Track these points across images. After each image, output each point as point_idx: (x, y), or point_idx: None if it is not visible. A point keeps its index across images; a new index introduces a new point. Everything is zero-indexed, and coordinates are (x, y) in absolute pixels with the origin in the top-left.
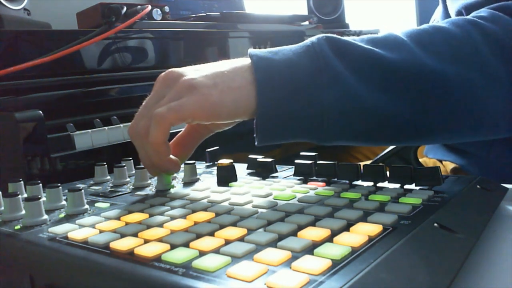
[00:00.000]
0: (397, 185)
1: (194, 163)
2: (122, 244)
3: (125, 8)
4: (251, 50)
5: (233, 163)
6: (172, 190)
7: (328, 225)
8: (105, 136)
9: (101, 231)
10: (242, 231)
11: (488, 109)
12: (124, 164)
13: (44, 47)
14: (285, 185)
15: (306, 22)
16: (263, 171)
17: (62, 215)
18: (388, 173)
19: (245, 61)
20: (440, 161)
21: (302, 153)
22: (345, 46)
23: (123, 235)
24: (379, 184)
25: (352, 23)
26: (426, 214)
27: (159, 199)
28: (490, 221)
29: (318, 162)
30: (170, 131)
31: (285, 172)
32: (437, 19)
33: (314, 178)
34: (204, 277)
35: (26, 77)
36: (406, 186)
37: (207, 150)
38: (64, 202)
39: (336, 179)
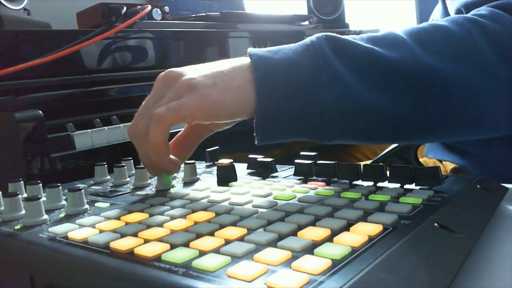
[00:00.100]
0: (397, 185)
1: (194, 163)
2: (122, 244)
3: (125, 8)
4: (251, 49)
5: (233, 163)
6: (172, 190)
7: (328, 225)
8: (105, 136)
9: (101, 231)
10: (242, 231)
11: (488, 107)
12: (124, 164)
13: (44, 47)
14: (285, 185)
15: (306, 22)
16: (263, 171)
17: (62, 215)
18: (388, 173)
19: (245, 60)
20: (440, 161)
21: (302, 153)
22: (345, 45)
23: (123, 235)
24: (379, 184)
25: (352, 23)
26: (426, 214)
27: (159, 199)
28: (490, 221)
29: (318, 162)
30: (170, 131)
31: (285, 172)
32: (436, 17)
33: (314, 178)
34: (204, 277)
35: (26, 77)
36: (406, 186)
37: (207, 150)
38: (64, 202)
39: (336, 179)
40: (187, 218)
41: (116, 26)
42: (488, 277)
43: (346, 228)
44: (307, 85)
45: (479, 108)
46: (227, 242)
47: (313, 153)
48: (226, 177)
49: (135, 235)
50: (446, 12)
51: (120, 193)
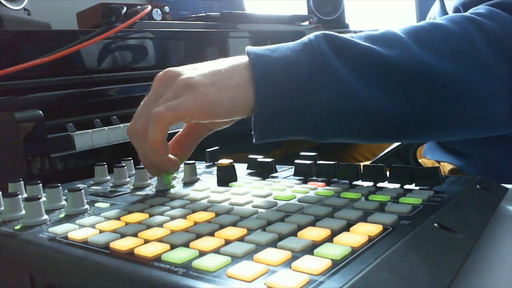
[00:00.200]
0: (397, 185)
1: (194, 163)
2: (122, 244)
3: (125, 8)
4: (249, 48)
5: (233, 163)
6: (172, 190)
7: (328, 225)
8: (105, 136)
9: (101, 231)
10: (242, 231)
11: (487, 106)
12: (124, 164)
13: (44, 47)
14: (285, 185)
15: (306, 22)
16: (263, 171)
17: (62, 215)
18: (388, 173)
19: (243, 59)
20: (438, 162)
21: (302, 153)
22: (343, 44)
23: (123, 235)
24: (379, 184)
25: (352, 23)
26: (426, 214)
27: (159, 199)
28: (490, 221)
29: (318, 162)
30: (169, 131)
31: (285, 172)
32: (433, 15)
33: (314, 178)
34: (204, 277)
35: (26, 77)
36: (406, 186)
37: (207, 150)
38: (64, 202)
39: (336, 179)
40: (187, 218)
41: (116, 26)
42: (488, 277)
43: (346, 228)
44: (306, 84)
45: (477, 107)
46: (227, 242)
47: (313, 154)
48: (226, 177)
49: (135, 235)
50: (444, 11)
51: (120, 193)
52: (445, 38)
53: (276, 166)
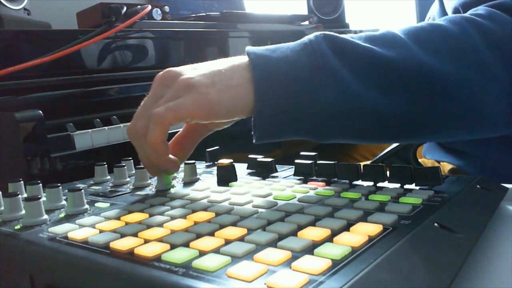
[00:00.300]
0: (397, 185)
1: (194, 163)
2: (122, 244)
3: (125, 8)
4: (249, 48)
5: (233, 163)
6: (172, 190)
7: (328, 225)
8: (105, 136)
9: (101, 231)
10: (242, 231)
11: (486, 107)
12: (124, 164)
13: (44, 47)
14: (285, 185)
15: (306, 22)
16: (263, 171)
17: (62, 215)
18: (388, 173)
19: (243, 59)
20: (438, 161)
21: (302, 153)
22: (343, 44)
23: (123, 235)
24: (379, 184)
25: (352, 23)
26: (426, 214)
27: (159, 199)
28: (490, 221)
29: (318, 162)
30: (169, 131)
31: (285, 172)
32: (433, 16)
33: (314, 178)
34: (204, 277)
35: (26, 77)
36: (406, 186)
37: (207, 150)
38: (64, 202)
39: (336, 179)
40: (187, 218)
41: (116, 26)
42: (488, 277)
43: (346, 228)
44: (306, 84)
45: (477, 108)
46: (227, 242)
47: (313, 153)
48: (226, 177)
49: (135, 235)
50: (443, 11)
51: (120, 193)
52: (445, 39)
53: (276, 166)
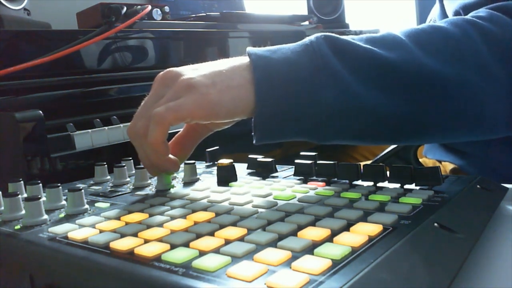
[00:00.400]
0: (397, 185)
1: (194, 163)
2: (122, 244)
3: (125, 8)
4: (250, 49)
5: (233, 163)
6: (172, 190)
7: (328, 225)
8: (105, 136)
9: (101, 231)
10: (242, 231)
11: (487, 109)
12: (124, 164)
13: (44, 47)
14: (285, 185)
15: (306, 22)
16: (263, 171)
17: (62, 215)
18: (388, 173)
19: (244, 59)
20: (439, 161)
21: (302, 153)
22: (344, 45)
23: (123, 235)
24: (379, 184)
25: (352, 23)
26: (426, 214)
27: (159, 199)
28: (490, 221)
29: (318, 162)
30: (169, 131)
31: (285, 172)
32: (433, 18)
33: (314, 178)
34: (204, 277)
35: (26, 77)
36: (406, 186)
37: (207, 150)
38: (64, 202)
39: (336, 179)
40: (187, 218)
41: (116, 26)
42: (488, 277)
43: (346, 228)
44: (306, 85)
45: (478, 110)
46: (227, 242)
47: (313, 153)
48: (226, 177)
49: (135, 235)
50: (443, 13)
51: (120, 193)
52: (446, 41)
53: (276, 166)
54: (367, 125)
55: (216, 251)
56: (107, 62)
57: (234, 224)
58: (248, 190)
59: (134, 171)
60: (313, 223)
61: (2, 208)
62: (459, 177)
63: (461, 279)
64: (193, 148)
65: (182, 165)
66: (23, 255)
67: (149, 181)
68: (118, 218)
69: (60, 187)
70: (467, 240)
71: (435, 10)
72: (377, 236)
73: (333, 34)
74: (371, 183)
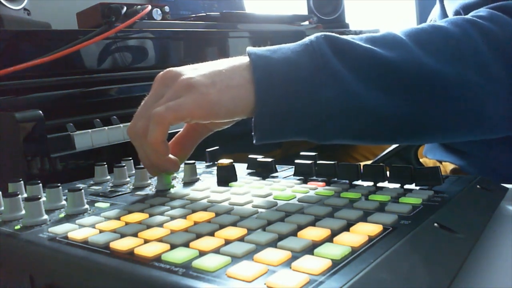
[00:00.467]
0: (397, 185)
1: (194, 163)
2: (122, 244)
3: (125, 8)
4: (250, 48)
5: (233, 163)
6: (172, 190)
7: (328, 225)
8: (105, 136)
9: (101, 231)
10: (242, 231)
11: (487, 109)
12: (124, 164)
13: (44, 47)
14: (285, 185)
15: (306, 22)
16: (263, 171)
17: (62, 215)
18: (388, 173)
19: (244, 59)
20: (440, 161)
21: (302, 153)
22: (344, 45)
23: (123, 235)
24: (379, 184)
25: (352, 23)
26: (426, 214)
27: (159, 199)
28: (490, 221)
29: (318, 162)
30: (169, 131)
31: (285, 172)
32: (434, 18)
33: (314, 178)
34: (204, 277)
35: (26, 77)
36: (406, 186)
37: (207, 150)
38: (64, 202)
39: (336, 179)
40: (187, 218)
41: (116, 26)
42: (488, 277)
43: (346, 228)
44: (306, 85)
45: (478, 110)
46: (227, 242)
47: (313, 153)
48: (226, 177)
49: (135, 235)
50: (444, 13)
51: (120, 193)
52: (446, 40)
53: (276, 166)
54: (367, 125)
55: (216, 251)
56: (107, 62)
57: (234, 224)
58: (248, 190)
59: (134, 171)
60: (313, 223)
61: (2, 208)
62: (459, 177)
63: (461, 279)
64: (193, 148)
65: (182, 165)
66: (23, 255)
67: (149, 181)
68: (118, 218)
69: (60, 187)
70: (467, 240)
71: (436, 10)
72: (377, 236)
73: (333, 34)
74: (371, 183)
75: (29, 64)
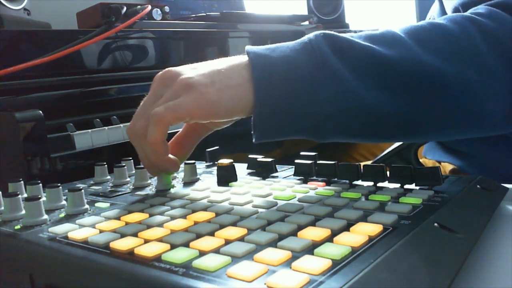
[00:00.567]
0: (397, 185)
1: (194, 163)
2: (122, 244)
3: (125, 8)
4: (249, 47)
5: (233, 163)
6: (172, 190)
7: (328, 225)
8: (105, 136)
9: (101, 231)
10: (242, 231)
11: (486, 105)
12: (124, 164)
13: (44, 47)
14: (285, 185)
15: (306, 22)
16: (263, 171)
17: (62, 215)
18: (388, 173)
19: (243, 58)
20: (439, 162)
21: (302, 153)
22: (343, 43)
23: (123, 235)
24: (379, 184)
25: (352, 23)
26: (426, 214)
27: (159, 199)
28: (490, 221)
29: (318, 162)
30: (169, 131)
31: (285, 172)
32: (433, 16)
33: (314, 178)
34: (204, 277)
35: (26, 77)
36: (406, 186)
37: (207, 150)
38: (64, 202)
39: (336, 179)
40: (187, 218)
41: (116, 26)
42: (488, 277)
43: (346, 228)
44: (305, 83)
45: (477, 106)
46: (227, 242)
47: (313, 153)
48: (226, 177)
49: (135, 235)
50: (443, 11)
51: (120, 193)
52: (445, 38)
53: (276, 166)
54: (367, 123)
55: (216, 251)
56: (107, 62)
57: (234, 224)
58: (248, 190)
59: (134, 171)
60: (313, 223)
61: (2, 208)
62: (459, 177)
63: (461, 279)
64: (193, 148)
65: (182, 165)
66: (23, 255)
67: (149, 181)
68: (118, 218)
69: (60, 187)
70: (467, 240)
71: (434, 7)
72: (377, 236)
73: (332, 32)
74: (371, 183)
75: (29, 64)
